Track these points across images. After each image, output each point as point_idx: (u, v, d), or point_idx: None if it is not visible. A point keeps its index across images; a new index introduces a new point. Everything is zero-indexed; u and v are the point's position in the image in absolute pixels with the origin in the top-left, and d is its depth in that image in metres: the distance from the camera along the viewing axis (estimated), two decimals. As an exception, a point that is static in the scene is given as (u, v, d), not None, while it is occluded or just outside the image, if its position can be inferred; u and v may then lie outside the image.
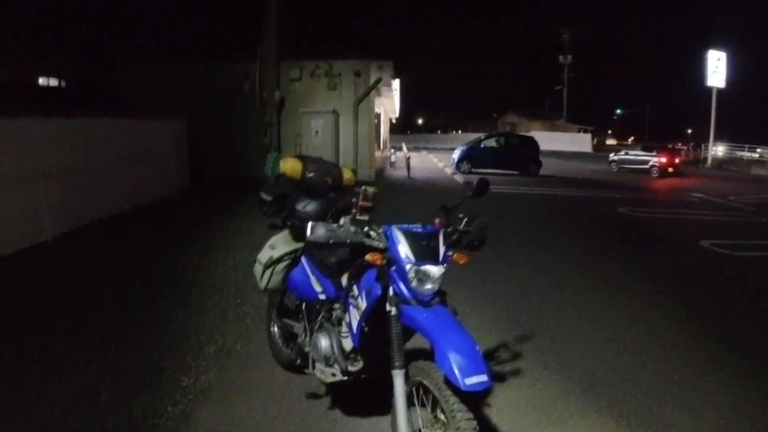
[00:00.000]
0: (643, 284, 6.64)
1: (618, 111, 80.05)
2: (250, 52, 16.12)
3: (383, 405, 2.66)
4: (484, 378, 2.10)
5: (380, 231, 2.52)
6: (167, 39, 20.30)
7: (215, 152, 16.40)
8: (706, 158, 36.60)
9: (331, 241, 2.41)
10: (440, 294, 2.43)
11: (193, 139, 14.38)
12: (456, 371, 2.08)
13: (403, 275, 2.37)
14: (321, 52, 17.81)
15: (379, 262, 2.39)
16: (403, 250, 2.37)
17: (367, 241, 2.47)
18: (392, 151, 28.14)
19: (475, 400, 2.29)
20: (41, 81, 27.54)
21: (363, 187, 3.14)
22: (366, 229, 2.54)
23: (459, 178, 19.69)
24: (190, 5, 21.63)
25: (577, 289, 6.25)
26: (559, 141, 46.63)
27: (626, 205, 13.74)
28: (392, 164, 24.78)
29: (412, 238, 2.41)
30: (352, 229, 2.49)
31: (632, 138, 68.42)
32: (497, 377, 3.85)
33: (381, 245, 2.45)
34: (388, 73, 18.12)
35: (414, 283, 2.34)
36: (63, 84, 27.07)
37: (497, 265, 7.03)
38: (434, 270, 2.35)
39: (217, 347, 4.33)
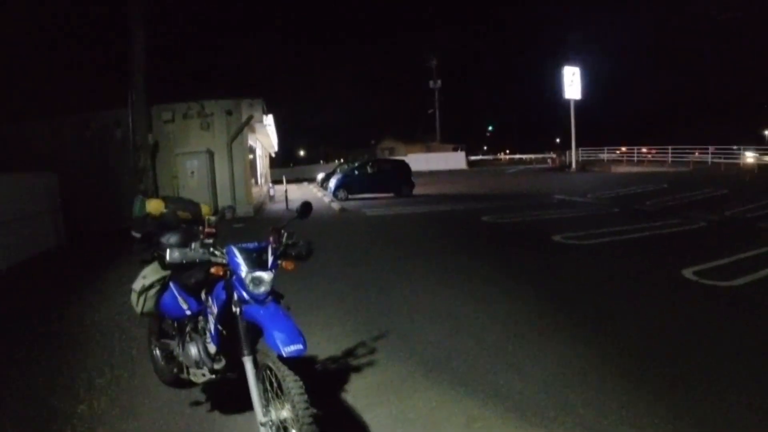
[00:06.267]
0: (493, 276, 7.60)
1: (490, 128, 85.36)
2: (120, 98, 15.94)
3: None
4: (300, 346, 2.71)
5: (223, 250, 3.08)
6: (30, 93, 19.60)
7: (92, 203, 15.75)
8: (571, 163, 39.87)
9: (184, 261, 2.96)
10: (274, 294, 3.01)
11: (68, 192, 13.76)
12: (279, 343, 2.68)
13: (241, 282, 2.93)
14: (193, 93, 17.98)
15: (221, 273, 2.97)
16: (240, 262, 2.95)
17: (212, 258, 3.03)
18: (271, 185, 28.62)
19: (298, 369, 2.82)
20: None
21: (207, 217, 3.84)
22: (211, 249, 3.08)
23: (335, 205, 20.26)
24: (51, 60, 21.04)
25: (434, 291, 7.00)
26: (435, 161, 49.32)
27: (490, 214, 14.96)
28: (272, 198, 25.25)
29: (246, 252, 3.01)
30: (201, 250, 3.04)
31: (507, 151, 72.55)
32: (354, 369, 4.45)
33: (223, 260, 3.02)
34: (260, 110, 18.42)
35: (250, 287, 2.91)
36: None
37: (358, 273, 7.69)
38: (265, 275, 2.94)
39: (107, 379, 4.59)
